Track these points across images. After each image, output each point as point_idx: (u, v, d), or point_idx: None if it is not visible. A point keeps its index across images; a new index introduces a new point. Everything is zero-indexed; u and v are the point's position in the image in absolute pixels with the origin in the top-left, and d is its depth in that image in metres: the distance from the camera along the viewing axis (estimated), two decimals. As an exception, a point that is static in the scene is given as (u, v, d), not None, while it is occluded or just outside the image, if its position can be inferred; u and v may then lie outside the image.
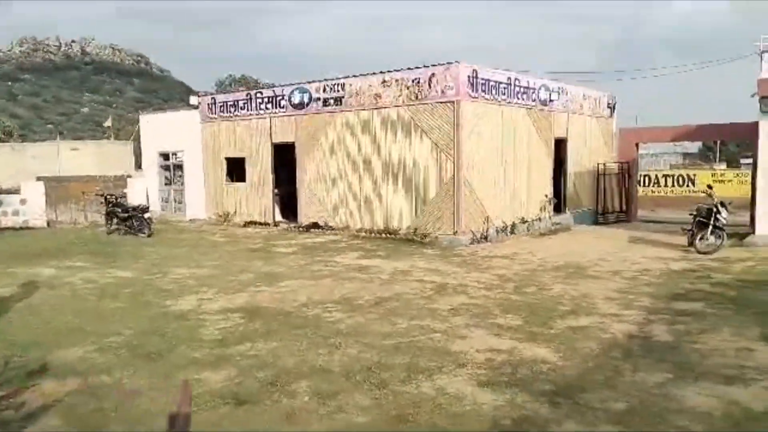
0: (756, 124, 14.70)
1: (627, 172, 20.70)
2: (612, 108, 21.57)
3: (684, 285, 9.68)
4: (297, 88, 17.99)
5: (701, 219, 13.23)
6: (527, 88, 16.98)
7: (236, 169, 19.92)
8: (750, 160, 22.43)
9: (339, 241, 15.34)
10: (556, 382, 5.38)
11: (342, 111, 16.94)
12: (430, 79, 15.03)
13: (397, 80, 15.70)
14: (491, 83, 15.55)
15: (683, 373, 5.56)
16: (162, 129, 22.20)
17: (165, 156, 22.31)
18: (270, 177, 18.92)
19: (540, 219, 17.41)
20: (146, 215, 16.90)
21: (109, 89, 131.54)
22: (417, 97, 15.33)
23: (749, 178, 20.73)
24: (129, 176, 23.46)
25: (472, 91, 14.90)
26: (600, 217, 19.94)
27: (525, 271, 10.95)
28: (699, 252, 12.81)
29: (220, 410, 4.85)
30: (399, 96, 15.67)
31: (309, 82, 17.80)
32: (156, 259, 12.74)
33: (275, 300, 8.75)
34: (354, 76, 16.77)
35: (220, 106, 20.16)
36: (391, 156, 16.02)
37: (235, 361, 6.03)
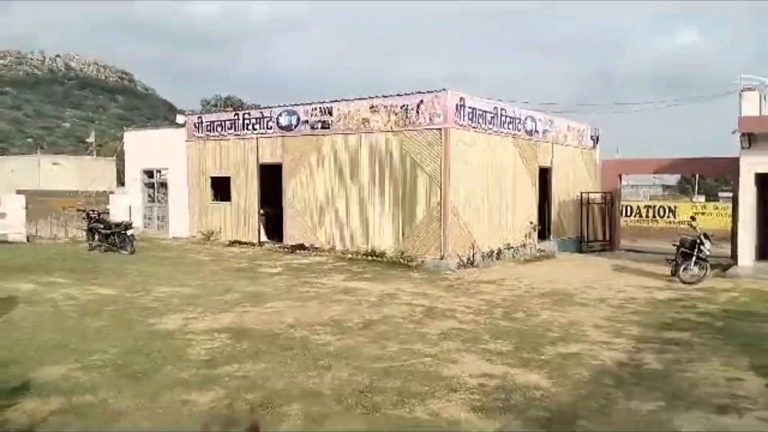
0: (737, 159, 15.04)
1: (610, 202, 21.00)
2: (595, 140, 21.93)
3: (671, 314, 9.75)
4: (285, 110, 18.03)
5: (685, 250, 13.42)
6: (513, 118, 17.22)
7: (222, 188, 19.79)
8: (729, 194, 22.89)
9: (325, 262, 15.23)
10: (550, 409, 5.34)
11: (330, 134, 16.99)
12: (418, 106, 15.16)
13: (385, 106, 15.81)
14: (478, 112, 15.73)
15: (676, 402, 5.56)
16: (146, 146, 22.03)
17: (149, 173, 22.10)
18: (256, 197, 18.82)
19: (525, 245, 17.51)
20: (129, 232, 16.65)
21: (92, 105, 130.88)
22: (405, 123, 15.44)
23: (729, 211, 21.11)
24: (112, 192, 23.17)
25: (460, 119, 15.05)
26: (584, 245, 20.12)
27: (513, 297, 10.95)
28: (683, 282, 12.95)
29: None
30: (387, 122, 15.76)
31: (297, 105, 17.85)
32: (139, 276, 12.52)
33: (262, 321, 8.62)
34: (342, 100, 16.87)
35: (207, 126, 20.08)
36: (377, 180, 16.06)
37: (223, 383, 5.90)
